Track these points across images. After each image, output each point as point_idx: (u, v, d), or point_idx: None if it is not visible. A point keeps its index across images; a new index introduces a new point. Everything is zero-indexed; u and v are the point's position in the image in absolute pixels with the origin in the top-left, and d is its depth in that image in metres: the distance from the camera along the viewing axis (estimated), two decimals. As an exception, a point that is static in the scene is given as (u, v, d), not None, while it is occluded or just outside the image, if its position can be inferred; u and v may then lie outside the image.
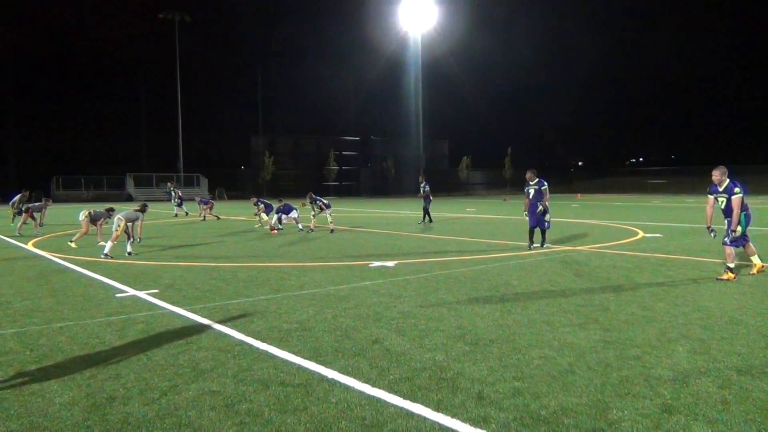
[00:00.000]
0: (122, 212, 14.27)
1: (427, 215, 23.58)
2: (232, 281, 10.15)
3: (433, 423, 4.19)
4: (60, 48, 75.20)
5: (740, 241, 9.79)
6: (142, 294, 9.03)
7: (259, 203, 22.27)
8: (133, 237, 14.39)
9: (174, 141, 72.71)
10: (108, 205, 17.26)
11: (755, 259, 10.19)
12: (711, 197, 10.10)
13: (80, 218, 15.81)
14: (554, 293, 8.80)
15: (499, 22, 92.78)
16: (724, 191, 9.84)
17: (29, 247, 16.00)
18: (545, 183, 14.30)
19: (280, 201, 20.97)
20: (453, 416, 4.29)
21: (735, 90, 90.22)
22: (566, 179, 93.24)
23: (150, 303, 8.40)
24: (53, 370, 5.43)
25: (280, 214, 20.42)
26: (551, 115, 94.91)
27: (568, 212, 31.57)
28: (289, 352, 5.90)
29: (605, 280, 9.85)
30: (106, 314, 7.70)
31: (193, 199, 35.12)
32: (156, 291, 9.24)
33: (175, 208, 30.94)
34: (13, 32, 71.42)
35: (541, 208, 14.07)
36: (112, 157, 78.73)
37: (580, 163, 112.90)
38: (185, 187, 69.78)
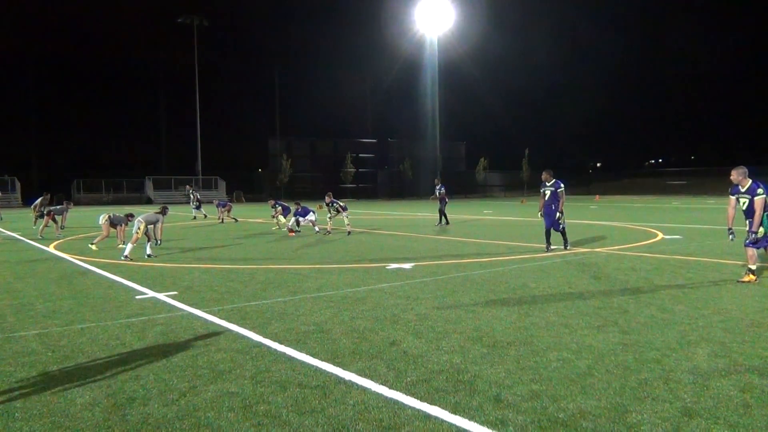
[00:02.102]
0: (142, 215, 14.43)
1: (443, 217, 23.54)
2: (250, 283, 10.21)
3: (451, 425, 4.19)
4: (80, 53, 76.37)
5: (762, 242, 9.55)
6: (161, 296, 9.11)
7: (277, 205, 22.38)
8: (154, 239, 14.54)
9: (193, 144, 73.49)
10: (128, 210, 17.47)
11: (752, 269, 9.78)
12: (733, 198, 9.88)
13: (100, 222, 16.02)
14: (572, 295, 8.75)
15: (516, 23, 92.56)
16: (746, 192, 9.53)
17: (51, 249, 16.22)
18: (561, 185, 13.99)
19: (297, 204, 21.09)
20: (470, 419, 4.29)
21: (756, 89, 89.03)
22: (584, 180, 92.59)
23: (169, 305, 8.48)
24: (74, 371, 5.51)
25: (297, 216, 20.53)
26: (569, 116, 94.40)
27: (587, 214, 31.34)
28: (307, 353, 5.93)
29: (624, 283, 9.77)
30: (126, 316, 7.78)
31: (211, 202, 35.23)
32: (175, 293, 9.32)
33: (193, 210, 31.20)
34: (34, 39, 72.58)
35: (558, 213, 13.87)
36: (131, 160, 79.84)
37: (598, 165, 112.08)
38: (204, 190, 70.41)
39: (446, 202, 23.94)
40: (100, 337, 6.69)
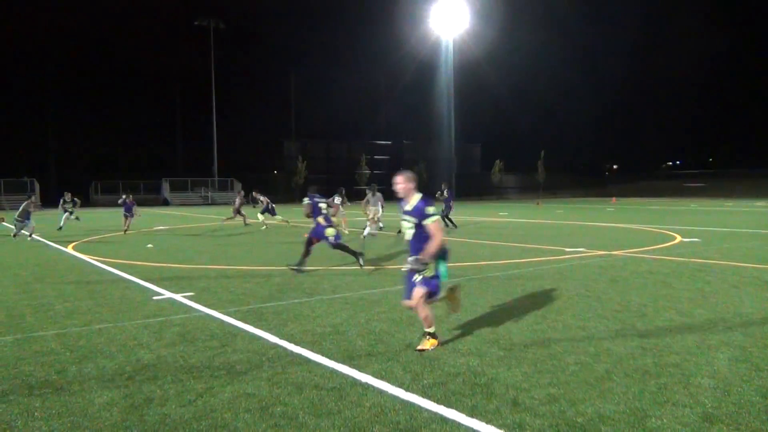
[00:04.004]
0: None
1: (449, 221, 23.00)
2: (266, 285, 10.24)
3: (468, 428, 4.17)
4: (98, 56, 77.12)
5: (434, 284, 5.99)
6: (178, 297, 9.16)
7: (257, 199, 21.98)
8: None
9: (209, 146, 73.90)
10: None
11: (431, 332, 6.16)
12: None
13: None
14: (590, 298, 8.68)
15: (531, 25, 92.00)
16: (412, 212, 6.09)
17: (69, 250, 16.38)
18: (305, 200, 12.02)
19: (372, 188, 21.89)
20: (488, 422, 4.26)
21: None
22: (600, 182, 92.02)
23: (186, 306, 8.52)
24: (93, 371, 5.55)
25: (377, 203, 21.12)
26: (585, 118, 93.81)
27: (603, 216, 31.11)
28: (323, 355, 5.93)
29: (642, 286, 9.68)
30: (144, 316, 7.83)
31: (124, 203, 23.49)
32: (192, 294, 9.37)
33: (62, 219, 24.56)
34: (52, 43, 73.34)
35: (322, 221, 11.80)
36: (148, 162, 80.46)
37: (614, 166, 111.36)
38: (219, 191, 70.87)
39: (451, 209, 23.41)
40: (118, 338, 6.73)
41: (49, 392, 5.00)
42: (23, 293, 9.70)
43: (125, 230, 22.68)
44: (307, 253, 11.67)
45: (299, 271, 11.43)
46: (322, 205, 11.98)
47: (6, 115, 72.26)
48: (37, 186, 60.80)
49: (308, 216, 11.92)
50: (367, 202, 20.63)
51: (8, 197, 59.38)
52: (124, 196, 23.47)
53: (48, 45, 73.47)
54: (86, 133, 77.44)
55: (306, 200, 11.98)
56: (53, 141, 76.66)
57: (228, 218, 26.56)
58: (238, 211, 25.93)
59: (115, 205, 59.66)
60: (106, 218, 32.39)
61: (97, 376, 5.39)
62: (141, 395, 4.90)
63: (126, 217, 23.05)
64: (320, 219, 11.82)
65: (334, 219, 20.55)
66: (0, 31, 69.64)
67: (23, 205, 20.42)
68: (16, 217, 20.12)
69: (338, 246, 11.96)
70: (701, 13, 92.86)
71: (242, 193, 27.58)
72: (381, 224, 21.52)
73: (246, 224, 25.64)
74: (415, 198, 6.14)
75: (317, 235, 11.79)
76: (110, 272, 12.06)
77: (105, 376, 5.41)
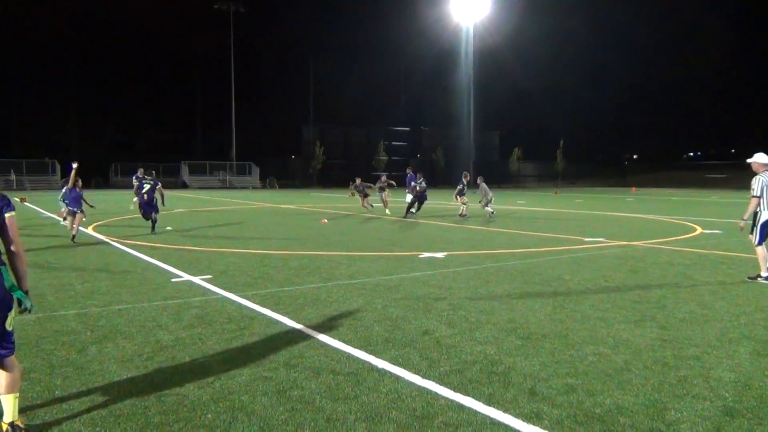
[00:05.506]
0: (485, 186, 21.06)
1: (411, 208, 22.20)
2: (284, 269, 10.27)
3: (485, 417, 4.15)
4: (119, 41, 77.62)
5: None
6: (196, 279, 9.22)
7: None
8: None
9: (227, 130, 74.20)
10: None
11: None
12: None
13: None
14: (609, 289, 8.61)
15: (553, 11, 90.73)
16: None
17: (90, 231, 16.54)
18: (143, 180, 16.34)
19: (415, 173, 22.95)
20: (505, 411, 4.24)
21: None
22: (620, 172, 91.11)
23: (204, 288, 8.57)
24: (112, 351, 5.60)
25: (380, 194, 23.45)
26: (605, 107, 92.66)
27: (623, 206, 30.82)
28: (340, 340, 5.94)
29: (662, 277, 9.57)
30: (162, 298, 7.89)
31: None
32: (210, 277, 9.42)
33: None
34: (74, 27, 73.93)
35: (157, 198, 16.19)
36: (167, 145, 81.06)
37: (634, 156, 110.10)
38: (237, 175, 71.15)
39: (425, 198, 22.94)
40: (137, 319, 6.80)
41: (70, 371, 5.06)
42: (44, 273, 9.82)
43: (73, 236, 14.16)
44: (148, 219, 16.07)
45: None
46: (146, 186, 15.85)
47: (28, 96, 73.09)
48: (58, 167, 61.51)
49: (136, 193, 16.56)
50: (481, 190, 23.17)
51: (30, 178, 60.23)
52: (73, 170, 15.22)
53: (70, 28, 74.04)
54: (107, 115, 78.17)
55: (135, 181, 16.58)
56: (74, 123, 77.43)
57: (377, 204, 25.51)
58: (382, 200, 25.11)
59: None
60: (126, 200, 32.60)
61: (117, 357, 5.45)
62: (159, 376, 4.94)
63: (73, 214, 14.63)
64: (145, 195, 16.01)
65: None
66: (23, 13, 70.28)
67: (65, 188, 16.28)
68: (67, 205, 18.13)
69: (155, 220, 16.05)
70: (724, 1, 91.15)
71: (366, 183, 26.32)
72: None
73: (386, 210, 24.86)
74: None
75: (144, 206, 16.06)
76: (130, 254, 12.17)
77: (124, 356, 5.46)
